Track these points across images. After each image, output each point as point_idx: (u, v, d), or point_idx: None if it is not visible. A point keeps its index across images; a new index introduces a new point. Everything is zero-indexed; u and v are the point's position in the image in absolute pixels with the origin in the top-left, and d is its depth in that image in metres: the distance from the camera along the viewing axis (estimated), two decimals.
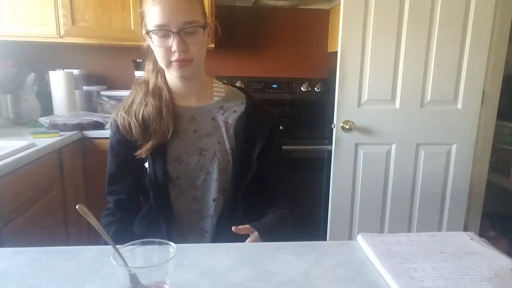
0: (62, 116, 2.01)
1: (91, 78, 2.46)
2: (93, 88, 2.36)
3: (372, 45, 1.86)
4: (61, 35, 2.06)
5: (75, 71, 2.27)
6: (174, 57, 0.91)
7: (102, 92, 2.32)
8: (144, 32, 0.95)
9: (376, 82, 1.90)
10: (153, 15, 0.89)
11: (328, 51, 2.58)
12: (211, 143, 1.01)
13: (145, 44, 0.99)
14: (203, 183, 1.01)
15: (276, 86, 2.53)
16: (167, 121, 0.97)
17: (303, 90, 2.52)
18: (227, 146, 1.01)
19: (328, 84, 2.50)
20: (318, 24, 2.57)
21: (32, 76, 2.17)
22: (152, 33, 0.90)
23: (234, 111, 1.04)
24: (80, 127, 1.93)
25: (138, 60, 2.34)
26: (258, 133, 1.03)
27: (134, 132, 0.97)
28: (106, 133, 1.93)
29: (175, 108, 1.01)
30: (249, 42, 2.57)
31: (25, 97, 2.17)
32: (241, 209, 1.01)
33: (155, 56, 1.01)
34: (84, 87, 2.35)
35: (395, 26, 1.85)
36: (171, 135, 0.98)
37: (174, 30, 0.88)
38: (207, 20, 0.97)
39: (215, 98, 1.05)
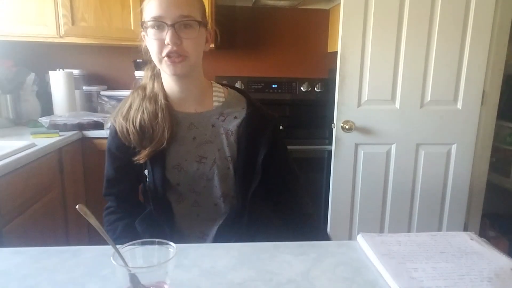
0: (62, 116, 2.01)
1: (91, 78, 2.46)
2: (93, 88, 2.36)
3: (372, 45, 1.86)
4: (61, 35, 2.06)
5: (75, 71, 2.27)
6: (167, 49, 0.89)
7: (102, 92, 2.32)
8: (142, 33, 0.94)
9: (376, 82, 1.90)
10: (150, 8, 0.89)
11: (328, 51, 2.58)
12: (211, 151, 1.00)
13: (143, 44, 0.98)
14: (204, 189, 1.01)
15: (276, 86, 2.53)
16: (163, 127, 0.95)
17: (303, 90, 2.52)
18: (227, 153, 1.00)
19: (328, 84, 2.50)
20: (318, 24, 2.57)
21: (32, 76, 2.17)
22: (147, 25, 0.90)
23: (235, 117, 1.02)
24: (80, 127, 1.93)
25: (138, 60, 2.34)
26: (261, 139, 1.01)
27: (132, 138, 0.95)
28: (106, 133, 1.93)
29: (173, 114, 0.99)
30: (249, 42, 2.57)
31: (25, 97, 2.17)
32: (248, 215, 1.01)
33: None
34: (84, 87, 2.35)
35: (395, 26, 1.85)
36: (170, 142, 0.96)
37: (169, 23, 0.88)
38: (208, 25, 0.96)
39: (215, 104, 1.03)
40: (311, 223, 1.08)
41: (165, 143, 0.95)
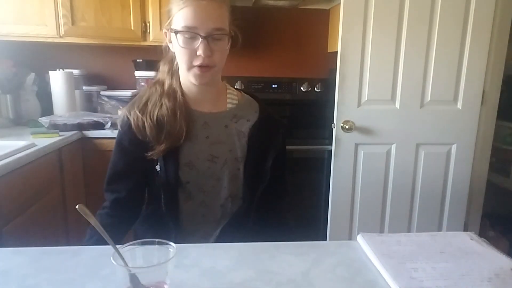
0: (62, 116, 2.01)
1: (91, 78, 2.46)
2: (93, 88, 2.35)
3: (372, 45, 1.86)
4: (61, 35, 2.06)
5: (75, 71, 2.27)
6: (198, 61, 0.90)
7: (102, 92, 2.32)
8: (164, 31, 0.95)
9: (376, 82, 1.90)
10: (183, 16, 0.89)
11: (328, 51, 2.58)
12: (223, 151, 1.01)
13: (163, 43, 0.98)
14: (212, 189, 1.02)
15: (276, 86, 2.53)
16: (181, 124, 0.96)
17: (303, 90, 2.52)
18: (238, 154, 1.01)
19: (328, 84, 2.50)
20: (318, 24, 2.57)
21: (32, 76, 2.17)
22: (180, 33, 0.90)
23: (248, 120, 1.04)
24: (80, 127, 1.93)
25: (138, 60, 2.34)
26: (271, 143, 1.04)
27: (148, 132, 0.95)
28: (106, 133, 1.93)
29: (189, 111, 1.00)
30: (249, 42, 2.57)
31: (25, 97, 2.17)
32: (254, 216, 1.02)
33: (171, 57, 1.01)
34: (84, 87, 2.35)
35: (395, 26, 1.85)
36: (185, 139, 0.97)
37: (203, 35, 0.88)
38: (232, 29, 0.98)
39: (229, 106, 1.04)
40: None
41: (182, 140, 0.96)
